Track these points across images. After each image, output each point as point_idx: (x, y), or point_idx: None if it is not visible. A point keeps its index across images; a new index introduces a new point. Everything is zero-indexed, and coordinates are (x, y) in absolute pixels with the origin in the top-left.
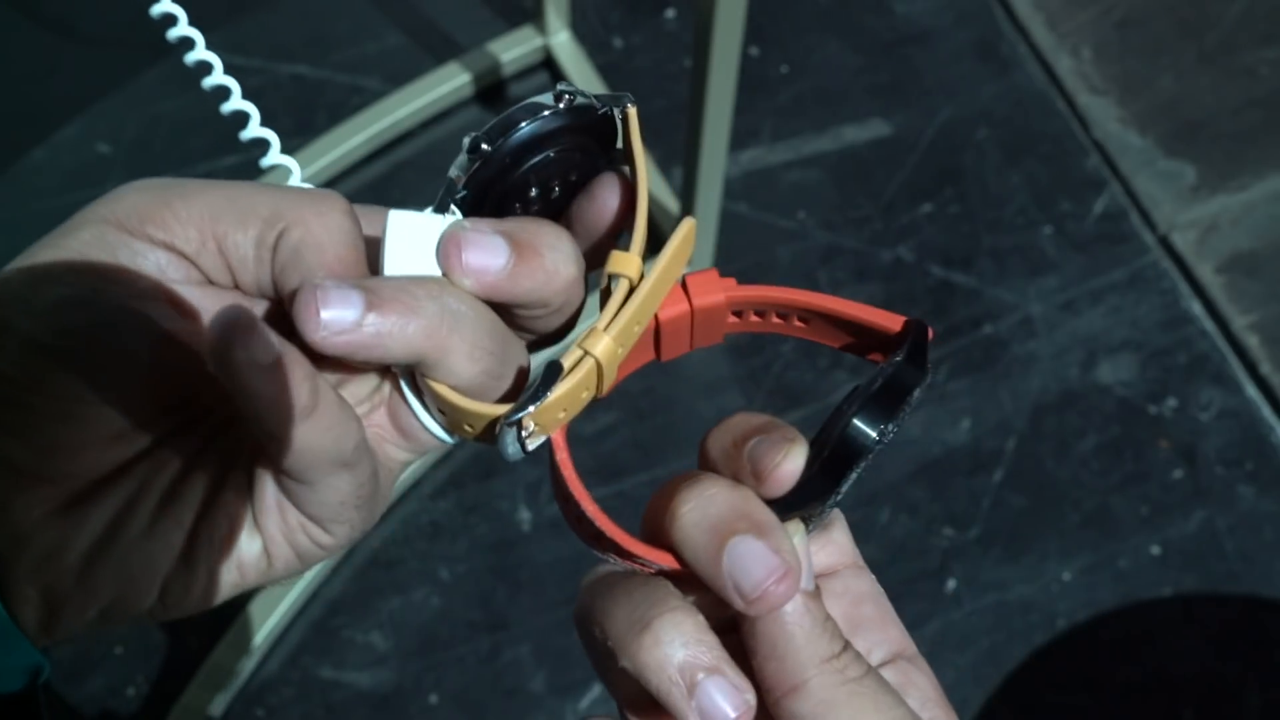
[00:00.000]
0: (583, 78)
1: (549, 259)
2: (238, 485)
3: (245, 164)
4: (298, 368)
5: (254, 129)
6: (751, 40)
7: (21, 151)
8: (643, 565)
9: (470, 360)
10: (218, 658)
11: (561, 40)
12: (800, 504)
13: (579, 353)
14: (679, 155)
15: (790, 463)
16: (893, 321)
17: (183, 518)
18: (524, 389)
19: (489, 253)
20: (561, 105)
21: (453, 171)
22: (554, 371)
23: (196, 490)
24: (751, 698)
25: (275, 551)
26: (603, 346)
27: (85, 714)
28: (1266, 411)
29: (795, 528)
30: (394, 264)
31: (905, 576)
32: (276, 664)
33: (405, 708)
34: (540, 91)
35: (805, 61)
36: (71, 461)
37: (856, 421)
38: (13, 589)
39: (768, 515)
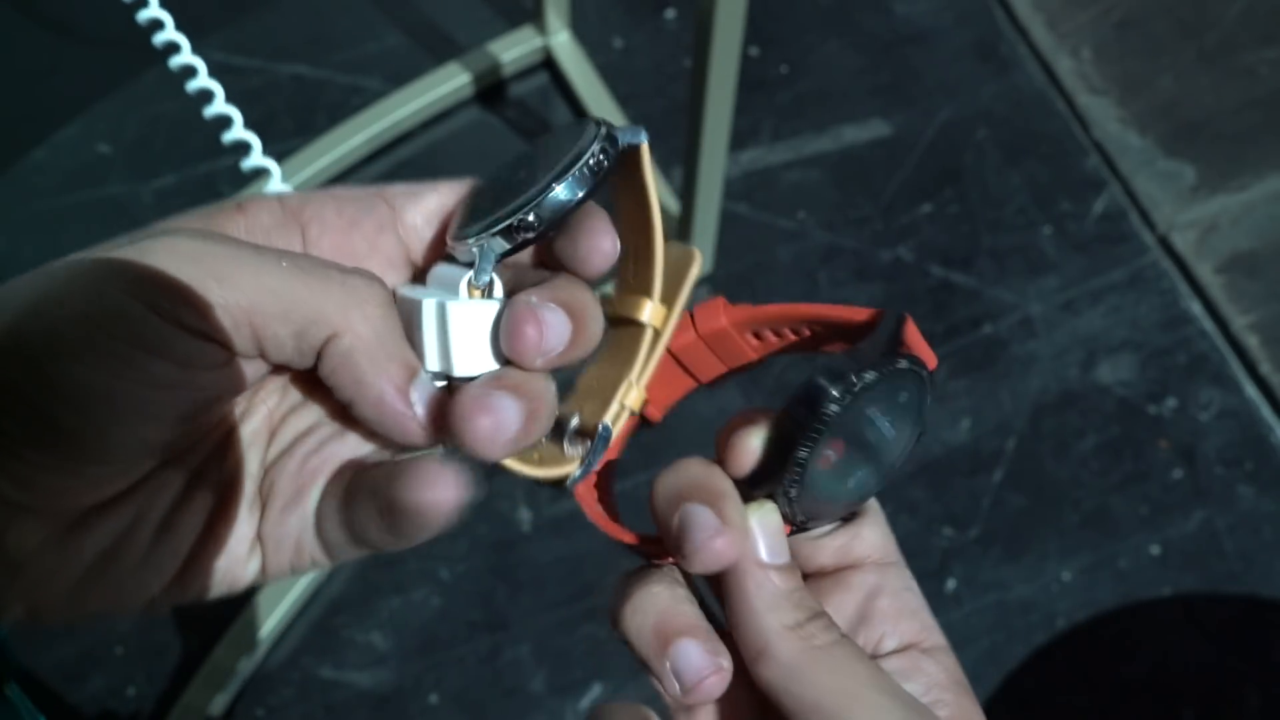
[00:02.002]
0: (583, 78)
1: (591, 328)
2: (237, 514)
3: None
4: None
5: (236, 132)
6: (751, 40)
7: (21, 151)
8: (654, 557)
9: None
10: (218, 657)
11: (561, 40)
12: (764, 481)
13: (617, 407)
14: (679, 155)
15: (749, 439)
16: (866, 315)
17: (179, 547)
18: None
19: (560, 332)
20: (592, 162)
21: (491, 243)
22: (607, 434)
23: (194, 519)
24: (726, 661)
25: (272, 571)
26: (634, 397)
27: (85, 714)
28: (1266, 411)
29: (763, 504)
30: (463, 361)
31: None
32: (276, 664)
33: (405, 708)
34: (539, 92)
35: (805, 61)
36: (64, 499)
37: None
38: None
39: (721, 484)
